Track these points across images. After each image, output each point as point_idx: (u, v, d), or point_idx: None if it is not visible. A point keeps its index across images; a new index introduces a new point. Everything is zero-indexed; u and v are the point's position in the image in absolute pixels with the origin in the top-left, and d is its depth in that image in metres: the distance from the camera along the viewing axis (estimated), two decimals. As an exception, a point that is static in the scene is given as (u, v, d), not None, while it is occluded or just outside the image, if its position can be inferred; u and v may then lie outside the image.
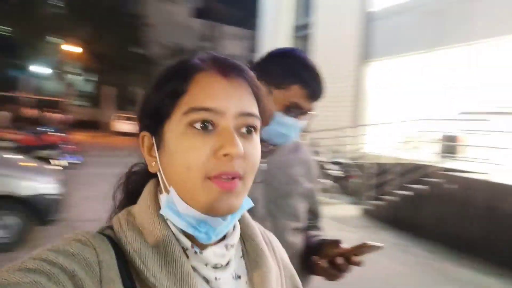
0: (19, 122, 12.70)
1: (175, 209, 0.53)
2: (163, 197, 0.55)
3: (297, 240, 1.17)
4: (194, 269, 0.53)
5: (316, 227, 1.31)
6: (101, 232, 0.54)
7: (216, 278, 0.54)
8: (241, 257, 0.61)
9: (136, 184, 0.61)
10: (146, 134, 0.56)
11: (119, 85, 25.14)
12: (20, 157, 5.29)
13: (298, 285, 0.69)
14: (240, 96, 0.53)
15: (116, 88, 25.67)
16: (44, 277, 0.43)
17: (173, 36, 29.56)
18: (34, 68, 24.43)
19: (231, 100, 0.52)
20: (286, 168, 1.20)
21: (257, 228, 0.65)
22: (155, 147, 0.55)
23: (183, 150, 0.51)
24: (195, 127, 0.51)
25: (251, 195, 1.00)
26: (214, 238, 0.54)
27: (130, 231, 0.53)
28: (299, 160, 1.25)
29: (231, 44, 32.70)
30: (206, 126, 0.51)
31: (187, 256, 0.53)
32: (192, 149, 0.50)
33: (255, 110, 0.55)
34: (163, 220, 0.54)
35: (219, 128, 0.51)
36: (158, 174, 0.56)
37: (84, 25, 22.63)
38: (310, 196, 1.26)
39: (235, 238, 0.58)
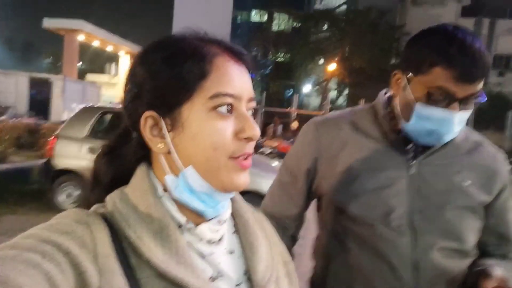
0: (286, 133, 15.90)
1: (189, 188, 0.55)
2: (169, 178, 0.56)
3: (451, 264, 0.96)
4: (189, 244, 0.55)
5: (505, 256, 1.03)
6: (95, 211, 0.56)
7: (210, 253, 0.57)
8: (233, 233, 0.63)
9: (124, 162, 0.60)
10: (152, 114, 0.55)
11: (375, 97, 25.49)
12: (272, 160, 6.45)
13: (287, 260, 0.71)
14: (248, 82, 0.58)
15: (367, 100, 26.29)
16: (38, 255, 0.43)
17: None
18: (303, 87, 28.51)
19: (244, 85, 0.56)
20: (447, 173, 0.98)
21: (246, 205, 0.68)
22: (164, 128, 0.55)
23: (209, 132, 0.53)
24: (219, 111, 0.54)
25: (385, 203, 0.98)
26: (221, 211, 0.59)
27: (124, 208, 0.54)
28: (474, 165, 1.00)
29: (507, 41, 27.35)
30: (228, 110, 0.54)
31: (182, 233, 0.56)
32: (218, 131, 0.53)
33: None
34: (158, 198, 0.56)
35: (236, 111, 0.55)
36: (164, 155, 0.56)
37: (345, 44, 24.56)
38: (490, 214, 1.01)
39: (226, 213, 0.61)
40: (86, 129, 5.08)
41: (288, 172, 1.12)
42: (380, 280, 0.97)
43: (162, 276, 0.50)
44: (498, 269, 0.92)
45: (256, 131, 0.54)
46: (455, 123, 0.90)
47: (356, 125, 1.06)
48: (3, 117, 10.51)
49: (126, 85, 0.58)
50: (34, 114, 14.62)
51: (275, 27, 34.36)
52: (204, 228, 0.57)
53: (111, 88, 26.28)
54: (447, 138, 0.95)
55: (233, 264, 0.59)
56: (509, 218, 1.04)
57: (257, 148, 9.53)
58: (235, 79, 0.55)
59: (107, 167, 0.60)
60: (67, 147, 5.04)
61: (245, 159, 0.56)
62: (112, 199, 0.56)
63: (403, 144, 0.99)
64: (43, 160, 5.55)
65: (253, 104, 0.58)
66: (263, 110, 20.53)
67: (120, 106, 0.60)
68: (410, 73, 0.93)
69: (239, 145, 0.55)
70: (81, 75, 29.32)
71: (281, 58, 32.92)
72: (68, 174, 5.09)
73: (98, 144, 5.09)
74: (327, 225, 1.09)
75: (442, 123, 0.90)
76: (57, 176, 5.12)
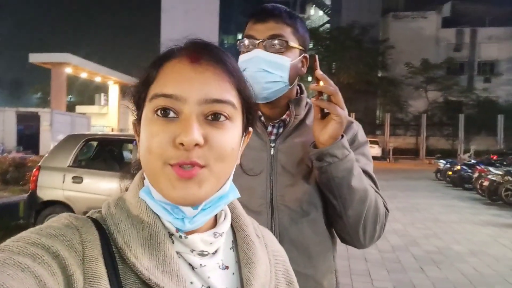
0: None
1: (150, 194, 0.54)
2: (146, 183, 0.57)
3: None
4: (179, 254, 0.53)
5: None
6: (88, 216, 0.55)
7: (201, 265, 0.54)
8: (230, 249, 0.60)
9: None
10: (133, 121, 0.59)
11: (365, 111, 25.87)
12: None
13: (292, 280, 0.66)
14: (205, 82, 0.51)
15: (363, 114, 26.59)
16: (28, 258, 0.43)
17: (420, 52, 28.10)
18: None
19: (194, 86, 0.51)
20: (303, 147, 1.08)
21: (248, 219, 0.64)
22: (136, 135, 0.58)
23: (147, 136, 0.51)
24: (158, 114, 0.51)
25: (249, 186, 1.05)
26: (189, 226, 0.53)
27: (117, 213, 0.54)
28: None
29: (489, 48, 27.92)
30: (167, 113, 0.51)
31: (173, 242, 0.54)
32: (153, 135, 0.50)
33: (227, 95, 0.52)
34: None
35: (182, 115, 0.50)
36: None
37: (331, 60, 24.95)
38: None
39: (224, 227, 0.58)
40: (69, 158, 4.94)
41: None
42: None
43: (146, 284, 0.49)
44: None
45: (189, 136, 0.48)
46: (259, 60, 1.03)
47: None
48: (-12, 154, 10.29)
49: None
50: (22, 148, 14.45)
51: (261, 48, 34.72)
52: (196, 239, 0.54)
53: (101, 118, 26.18)
54: (263, 79, 1.03)
55: (226, 280, 0.57)
56: None
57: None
58: (179, 80, 0.51)
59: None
60: (50, 178, 4.88)
61: (190, 167, 0.49)
62: (108, 204, 0.56)
63: (265, 127, 1.11)
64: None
65: (213, 107, 0.51)
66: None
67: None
68: None
69: (175, 152, 0.49)
70: (71, 107, 29.28)
71: (269, 79, 33.13)
72: (54, 205, 4.91)
73: (83, 172, 4.98)
74: None
75: (249, 61, 1.04)
76: (43, 208, 4.94)
